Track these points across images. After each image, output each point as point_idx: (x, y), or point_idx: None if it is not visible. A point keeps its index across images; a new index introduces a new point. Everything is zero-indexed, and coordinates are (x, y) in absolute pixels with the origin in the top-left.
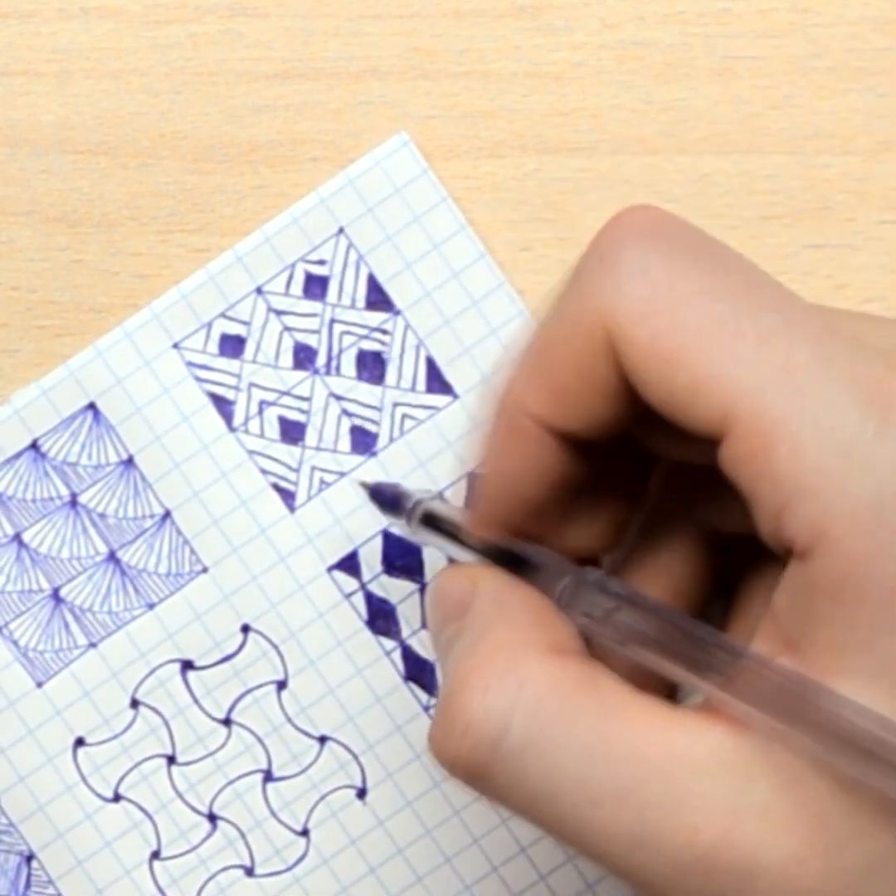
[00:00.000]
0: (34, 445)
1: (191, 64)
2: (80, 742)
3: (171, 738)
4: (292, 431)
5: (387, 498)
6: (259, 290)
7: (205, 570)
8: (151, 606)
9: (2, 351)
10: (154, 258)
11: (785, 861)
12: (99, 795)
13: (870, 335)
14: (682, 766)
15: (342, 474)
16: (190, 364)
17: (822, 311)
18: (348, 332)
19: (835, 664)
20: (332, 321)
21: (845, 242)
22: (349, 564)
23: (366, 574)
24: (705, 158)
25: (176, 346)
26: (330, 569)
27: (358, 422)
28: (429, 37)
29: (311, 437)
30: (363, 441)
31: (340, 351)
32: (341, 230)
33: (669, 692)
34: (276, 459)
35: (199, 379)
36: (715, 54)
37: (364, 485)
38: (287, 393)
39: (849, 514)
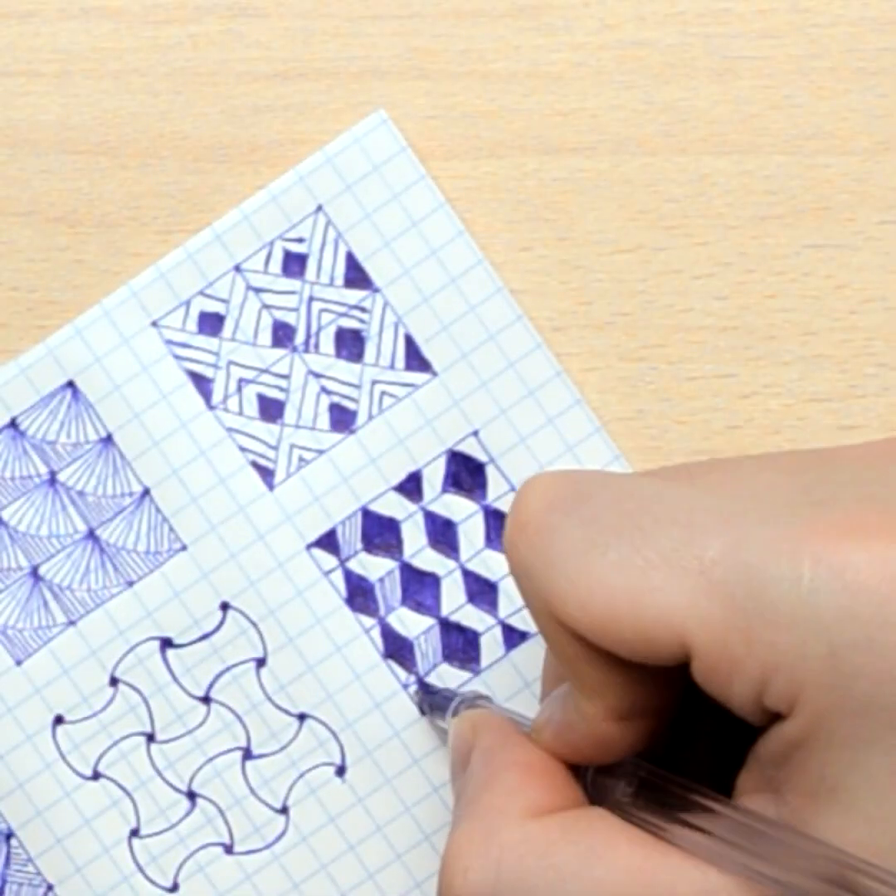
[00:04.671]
0: (13, 423)
1: (191, 64)
2: (59, 720)
3: (151, 715)
4: (271, 409)
5: (435, 701)
6: (237, 268)
7: (184, 547)
8: (130, 584)
9: (2, 351)
10: (154, 258)
11: None
12: (78, 773)
13: (769, 482)
14: None
15: (321, 452)
16: (169, 342)
17: (717, 483)
18: (327, 310)
19: (810, 804)
20: (311, 299)
21: (845, 242)
22: (328, 542)
23: (344, 551)
24: (705, 158)
25: (154, 324)
26: (309, 546)
27: (336, 399)
28: (429, 37)
29: (289, 415)
30: (342, 419)
31: (319, 329)
32: (320, 208)
33: None
34: (254, 437)
35: (177, 357)
36: (715, 54)
37: (418, 692)
38: (266, 371)
39: (811, 676)
